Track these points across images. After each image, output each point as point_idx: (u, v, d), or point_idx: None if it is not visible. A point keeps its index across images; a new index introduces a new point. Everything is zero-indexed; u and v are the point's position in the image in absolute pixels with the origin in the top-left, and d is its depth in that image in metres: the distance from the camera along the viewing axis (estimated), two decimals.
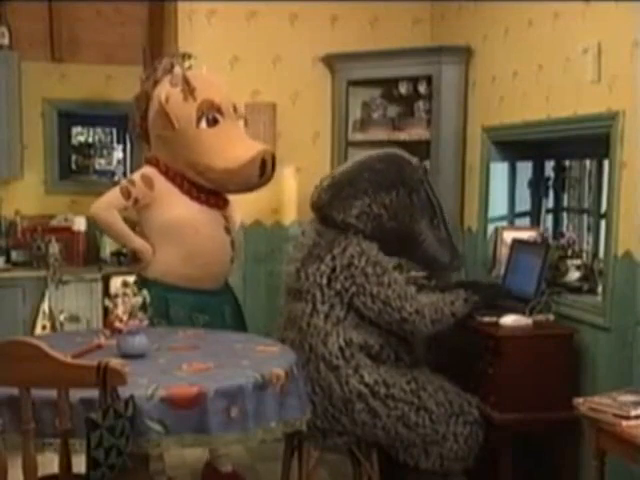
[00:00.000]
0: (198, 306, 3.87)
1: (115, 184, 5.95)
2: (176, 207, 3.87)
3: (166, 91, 3.87)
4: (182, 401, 2.51)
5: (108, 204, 3.88)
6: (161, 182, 3.88)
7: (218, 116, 3.89)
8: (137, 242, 3.92)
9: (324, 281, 3.39)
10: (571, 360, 3.52)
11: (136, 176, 3.93)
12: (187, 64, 3.96)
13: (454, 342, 3.70)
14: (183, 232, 3.85)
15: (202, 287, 3.89)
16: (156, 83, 3.96)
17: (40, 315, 4.90)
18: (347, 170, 3.59)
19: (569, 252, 3.90)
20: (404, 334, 3.49)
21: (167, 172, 3.90)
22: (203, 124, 3.86)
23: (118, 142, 6.23)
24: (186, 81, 3.84)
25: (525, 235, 4.13)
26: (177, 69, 3.90)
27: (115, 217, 3.89)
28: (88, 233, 5.54)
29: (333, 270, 3.39)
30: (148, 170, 3.93)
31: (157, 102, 3.89)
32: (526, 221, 4.49)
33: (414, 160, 3.64)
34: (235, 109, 4.02)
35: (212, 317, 3.84)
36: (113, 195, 3.89)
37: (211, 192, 3.95)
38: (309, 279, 3.43)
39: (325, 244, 3.46)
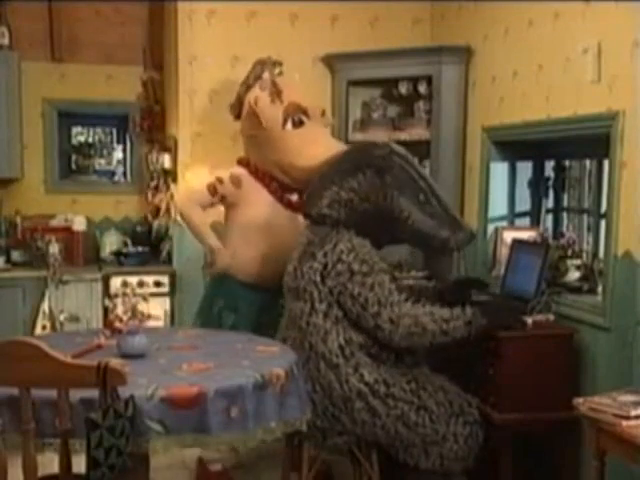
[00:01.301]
0: (265, 305, 4.06)
1: (115, 184, 6.05)
2: (260, 207, 4.10)
3: (255, 94, 4.13)
4: (182, 401, 2.51)
5: (192, 199, 4.13)
6: (249, 182, 4.12)
7: (304, 118, 4.13)
8: (211, 241, 4.11)
9: (318, 278, 3.38)
10: (571, 360, 3.52)
11: (225, 175, 4.12)
12: (277, 70, 4.24)
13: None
14: (262, 232, 4.06)
15: (269, 287, 4.05)
16: (248, 88, 4.21)
17: (40, 315, 4.90)
18: (320, 171, 3.65)
19: (569, 252, 3.90)
20: (383, 343, 3.38)
21: (257, 172, 4.14)
22: (289, 125, 4.10)
23: (118, 142, 6.22)
24: (274, 85, 4.11)
25: (525, 235, 4.13)
26: (266, 74, 4.17)
27: (196, 213, 4.10)
28: (88, 233, 5.54)
29: (325, 267, 3.38)
30: (237, 170, 4.17)
31: (247, 105, 4.14)
32: (526, 221, 4.49)
33: (382, 143, 3.62)
34: (323, 114, 4.25)
35: (277, 316, 3.87)
36: (199, 191, 4.12)
37: (297, 195, 4.13)
38: (304, 277, 3.42)
39: (318, 241, 3.46)
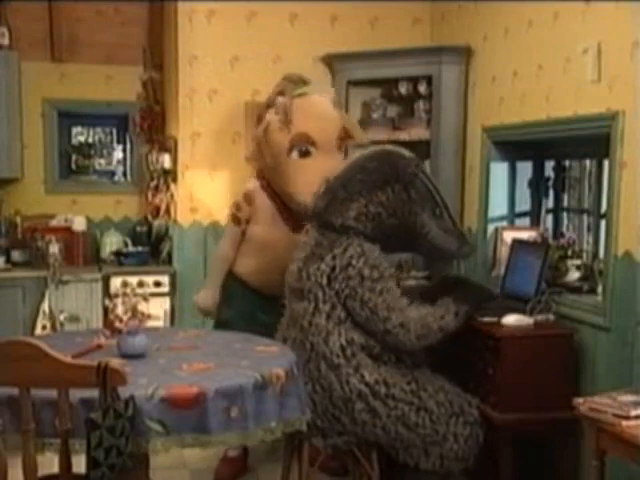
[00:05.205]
0: (260, 306, 4.13)
1: (115, 184, 6.05)
2: (266, 224, 4.13)
3: (269, 118, 4.08)
4: (182, 401, 2.51)
5: (231, 243, 4.22)
6: (261, 198, 4.14)
7: (311, 148, 4.03)
8: (208, 282, 4.33)
9: (324, 281, 3.39)
10: (571, 360, 3.52)
11: (239, 198, 4.19)
12: (298, 91, 4.11)
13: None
14: (263, 248, 4.12)
15: (264, 293, 4.14)
16: (269, 106, 4.15)
17: (40, 315, 4.90)
18: (340, 174, 3.55)
19: (569, 252, 3.91)
20: (388, 346, 3.43)
21: (268, 188, 4.14)
22: (294, 154, 4.01)
23: (118, 142, 6.22)
24: (285, 112, 3.99)
25: (525, 235, 4.13)
26: (279, 99, 4.05)
27: (224, 259, 4.23)
28: (88, 233, 5.54)
29: (333, 270, 3.39)
30: (251, 186, 4.19)
31: (264, 125, 4.09)
32: (526, 221, 4.49)
33: (407, 153, 3.57)
34: (341, 139, 4.14)
35: (272, 318, 3.88)
36: (230, 231, 4.23)
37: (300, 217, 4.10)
38: (310, 278, 3.43)
39: (327, 244, 3.46)
